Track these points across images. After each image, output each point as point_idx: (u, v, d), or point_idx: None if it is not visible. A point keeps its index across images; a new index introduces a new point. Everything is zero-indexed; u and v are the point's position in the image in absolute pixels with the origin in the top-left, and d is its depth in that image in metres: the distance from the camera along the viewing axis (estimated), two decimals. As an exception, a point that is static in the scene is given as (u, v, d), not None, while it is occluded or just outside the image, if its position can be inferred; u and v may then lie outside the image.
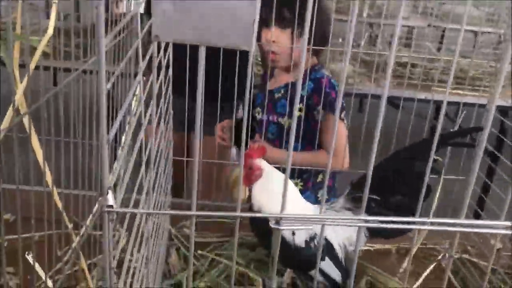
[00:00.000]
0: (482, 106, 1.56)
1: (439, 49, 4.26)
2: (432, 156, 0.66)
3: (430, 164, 0.66)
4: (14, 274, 1.18)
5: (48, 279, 0.89)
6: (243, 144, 0.61)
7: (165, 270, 1.30)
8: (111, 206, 0.50)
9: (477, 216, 1.66)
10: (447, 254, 1.34)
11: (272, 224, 0.52)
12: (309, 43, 1.57)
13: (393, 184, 1.23)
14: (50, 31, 0.70)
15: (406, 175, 1.21)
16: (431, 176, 1.25)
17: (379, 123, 0.64)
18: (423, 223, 0.62)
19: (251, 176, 1.22)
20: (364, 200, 0.62)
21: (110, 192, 0.50)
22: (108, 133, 0.49)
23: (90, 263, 1.18)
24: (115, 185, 0.60)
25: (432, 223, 0.64)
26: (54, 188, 0.92)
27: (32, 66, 0.74)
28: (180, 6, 0.45)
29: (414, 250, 1.47)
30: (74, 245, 0.99)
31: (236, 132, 1.79)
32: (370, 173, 0.62)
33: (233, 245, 1.38)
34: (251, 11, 0.45)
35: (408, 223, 0.63)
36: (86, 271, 1.03)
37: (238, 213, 0.52)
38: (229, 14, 0.45)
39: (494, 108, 0.73)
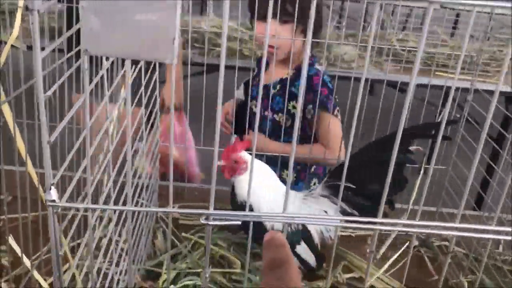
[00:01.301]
0: (487, 92, 1.53)
1: (452, 35, 4.19)
2: (396, 148, 0.69)
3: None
4: (6, 252, 1.24)
5: (29, 263, 0.95)
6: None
7: (151, 251, 1.36)
8: (54, 201, 0.56)
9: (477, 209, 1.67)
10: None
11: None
12: (305, 34, 1.58)
13: (370, 173, 1.26)
14: (15, 33, 0.74)
15: (382, 165, 1.24)
16: (412, 166, 1.29)
17: (356, 110, 0.69)
18: (394, 225, 0.66)
19: (237, 169, 1.24)
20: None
21: (53, 188, 0.56)
22: (49, 136, 0.53)
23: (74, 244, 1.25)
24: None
25: (404, 225, 0.68)
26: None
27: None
28: (106, 22, 0.49)
29: (390, 240, 1.51)
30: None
31: (235, 119, 1.84)
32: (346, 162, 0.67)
33: (216, 229, 1.44)
34: (172, 28, 0.49)
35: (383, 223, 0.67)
36: (69, 254, 1.08)
37: (209, 211, 0.55)
38: (151, 30, 0.49)
39: (450, 93, 0.75)
